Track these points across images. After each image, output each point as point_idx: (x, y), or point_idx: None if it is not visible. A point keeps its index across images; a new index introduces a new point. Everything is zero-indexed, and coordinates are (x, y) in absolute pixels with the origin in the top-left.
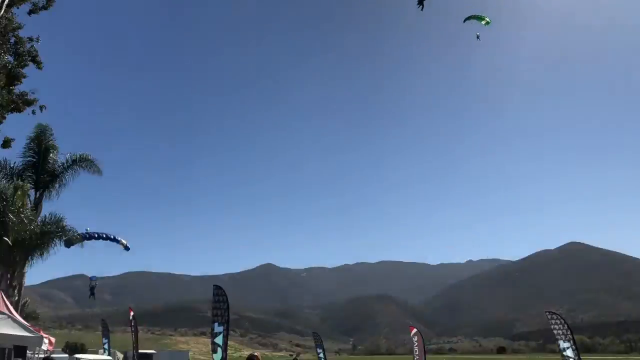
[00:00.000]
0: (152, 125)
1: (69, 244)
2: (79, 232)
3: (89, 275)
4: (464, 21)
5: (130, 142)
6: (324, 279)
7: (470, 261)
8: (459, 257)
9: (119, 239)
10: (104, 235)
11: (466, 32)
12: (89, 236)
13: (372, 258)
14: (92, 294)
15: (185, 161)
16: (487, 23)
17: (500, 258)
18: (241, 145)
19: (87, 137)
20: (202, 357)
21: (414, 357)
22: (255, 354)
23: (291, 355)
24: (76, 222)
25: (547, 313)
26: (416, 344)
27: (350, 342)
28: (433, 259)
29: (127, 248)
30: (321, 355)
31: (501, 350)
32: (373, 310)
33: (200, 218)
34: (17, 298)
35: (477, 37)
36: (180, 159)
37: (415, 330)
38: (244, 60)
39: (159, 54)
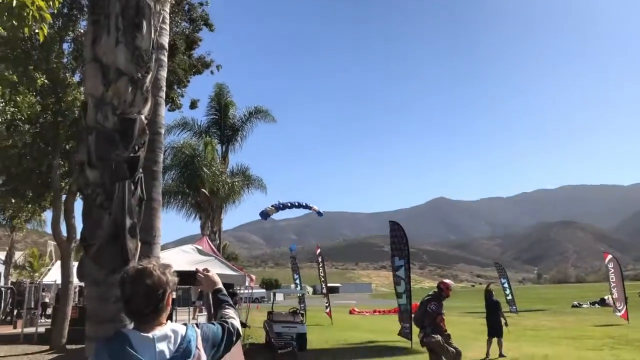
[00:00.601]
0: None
1: (265, 216)
2: (273, 204)
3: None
4: None
5: (299, 95)
6: (501, 209)
7: None
8: None
9: (310, 205)
10: (297, 204)
11: None
12: (282, 206)
13: (552, 184)
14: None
15: (355, 105)
16: None
17: None
18: (411, 82)
19: (256, 88)
20: (384, 289)
21: (610, 285)
22: (445, 280)
23: (473, 285)
24: (259, 169)
25: None
26: (612, 271)
27: (535, 271)
28: (625, 179)
29: (319, 214)
30: (505, 285)
31: None
32: (558, 238)
33: (369, 158)
34: (218, 242)
35: None
36: (349, 104)
37: (610, 256)
38: None
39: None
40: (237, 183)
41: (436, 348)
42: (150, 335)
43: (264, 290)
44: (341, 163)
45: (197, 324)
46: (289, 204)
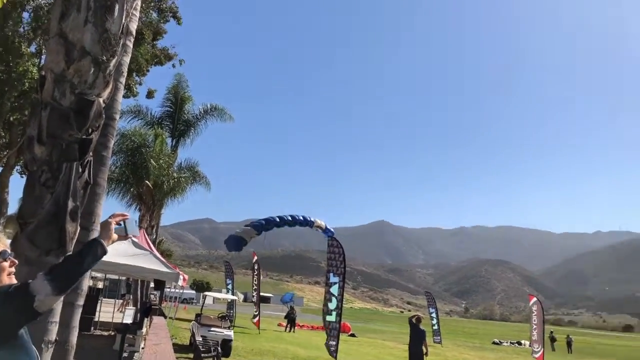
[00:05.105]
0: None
1: (236, 244)
2: (253, 222)
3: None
4: None
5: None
6: (439, 240)
7: (598, 232)
8: (587, 227)
9: (313, 220)
10: (289, 219)
11: None
12: (268, 224)
13: (492, 222)
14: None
15: (310, 117)
16: None
17: (634, 231)
18: (368, 111)
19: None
20: (315, 305)
21: (532, 327)
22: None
23: (402, 312)
24: (210, 169)
25: None
26: (535, 313)
27: (463, 305)
28: (557, 228)
29: (328, 232)
30: (433, 314)
31: (628, 328)
32: (488, 275)
33: (319, 172)
34: (154, 237)
35: None
36: (320, 121)
37: (534, 299)
38: None
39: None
40: (183, 178)
41: None
42: None
43: (193, 292)
44: (288, 175)
45: None
46: (278, 219)
